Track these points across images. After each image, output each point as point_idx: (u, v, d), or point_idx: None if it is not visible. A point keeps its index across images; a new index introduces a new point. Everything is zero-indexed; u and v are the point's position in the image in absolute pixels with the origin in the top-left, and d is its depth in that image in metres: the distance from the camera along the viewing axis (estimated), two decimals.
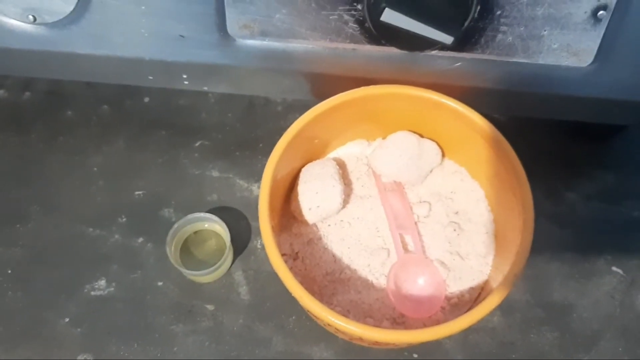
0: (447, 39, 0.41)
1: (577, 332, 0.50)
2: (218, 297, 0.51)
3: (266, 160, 0.46)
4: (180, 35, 0.46)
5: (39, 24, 0.46)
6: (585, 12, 0.42)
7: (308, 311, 0.43)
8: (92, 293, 0.51)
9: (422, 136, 0.51)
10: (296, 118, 0.47)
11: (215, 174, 0.57)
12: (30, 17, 0.46)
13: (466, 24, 0.42)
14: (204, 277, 0.50)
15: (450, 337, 0.49)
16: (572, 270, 0.52)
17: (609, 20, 0.42)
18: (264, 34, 0.45)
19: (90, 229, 0.54)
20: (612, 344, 0.49)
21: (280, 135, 0.47)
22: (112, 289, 0.51)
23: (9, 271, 0.52)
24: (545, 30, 0.43)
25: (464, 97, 0.47)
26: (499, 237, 0.48)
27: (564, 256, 0.53)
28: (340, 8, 0.43)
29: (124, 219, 0.54)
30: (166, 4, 0.44)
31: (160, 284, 0.51)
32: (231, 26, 0.45)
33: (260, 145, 0.58)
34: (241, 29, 0.45)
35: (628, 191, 0.56)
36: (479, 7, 0.42)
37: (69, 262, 0.52)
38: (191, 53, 0.47)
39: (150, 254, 0.53)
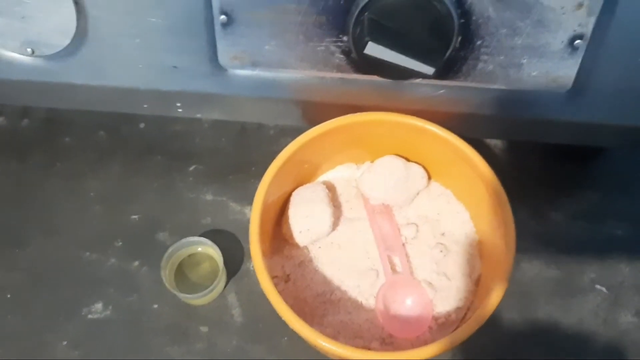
0: (429, 70, 0.42)
1: (562, 349, 0.51)
2: (212, 318, 0.52)
3: (259, 184, 0.47)
4: (174, 66, 0.47)
5: (37, 56, 0.48)
6: (562, 42, 0.43)
7: (297, 333, 0.44)
8: (90, 316, 0.52)
9: (408, 160, 0.53)
10: (288, 142, 0.49)
11: (209, 197, 0.58)
12: (29, 50, 0.47)
13: (448, 54, 0.44)
14: (198, 299, 0.51)
15: (437, 356, 0.51)
16: (557, 288, 0.53)
17: (586, 49, 0.44)
18: (254, 65, 0.47)
19: (87, 253, 0.55)
20: None
21: (272, 159, 0.48)
22: (109, 312, 0.52)
23: (8, 295, 0.53)
24: (524, 59, 0.45)
25: (448, 123, 0.49)
26: (484, 257, 0.50)
27: (548, 274, 0.54)
28: (327, 40, 0.44)
29: (120, 243, 0.55)
30: (160, 37, 0.45)
31: (155, 306, 0.52)
32: (222, 57, 0.46)
33: (253, 168, 0.59)
34: (232, 60, 0.46)
35: (611, 211, 0.57)
36: (460, 38, 0.43)
37: (66, 286, 0.53)
38: (184, 83, 0.48)
39: (145, 277, 0.54)
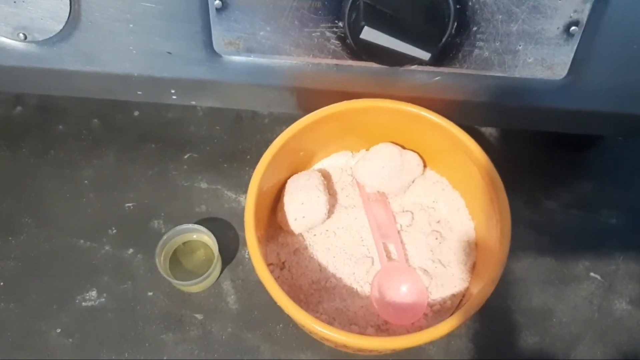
0: (425, 55, 0.42)
1: (556, 337, 0.51)
2: (207, 306, 0.52)
3: (253, 172, 0.47)
4: (168, 52, 0.47)
5: (30, 41, 0.47)
6: (558, 28, 0.43)
7: (294, 319, 0.44)
8: (84, 304, 0.52)
9: (404, 147, 0.53)
10: (282, 130, 0.49)
11: (203, 185, 0.58)
12: (21, 35, 0.47)
13: (443, 40, 0.43)
14: (193, 287, 0.52)
15: (433, 343, 0.51)
16: (551, 276, 0.54)
17: (581, 35, 0.44)
18: (249, 51, 0.47)
19: (82, 241, 0.55)
20: (590, 347, 0.51)
21: (267, 147, 0.48)
22: (103, 299, 0.52)
23: (2, 283, 0.53)
24: (520, 45, 0.45)
25: (444, 110, 0.49)
26: (479, 245, 0.50)
27: (543, 263, 0.54)
28: (322, 25, 0.44)
29: (115, 231, 0.55)
30: (154, 22, 0.45)
31: (150, 294, 0.52)
32: (217, 43, 0.46)
33: (248, 157, 0.59)
34: (227, 45, 0.46)
35: (605, 200, 0.57)
36: (455, 24, 0.43)
37: (60, 274, 0.53)
38: (179, 69, 0.48)
39: (140, 265, 0.54)
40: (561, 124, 0.51)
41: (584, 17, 0.43)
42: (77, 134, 0.61)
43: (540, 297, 0.53)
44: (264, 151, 0.48)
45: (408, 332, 0.47)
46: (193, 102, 0.53)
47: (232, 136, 0.61)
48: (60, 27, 0.46)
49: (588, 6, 0.42)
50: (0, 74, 0.50)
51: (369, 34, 0.41)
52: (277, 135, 0.49)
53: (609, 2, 0.42)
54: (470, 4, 0.42)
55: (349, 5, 0.42)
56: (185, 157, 0.60)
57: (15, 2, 0.45)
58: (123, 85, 0.50)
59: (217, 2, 0.43)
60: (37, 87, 0.53)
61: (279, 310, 0.43)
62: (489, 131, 0.60)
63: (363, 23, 0.41)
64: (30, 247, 0.54)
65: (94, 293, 0.52)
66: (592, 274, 0.54)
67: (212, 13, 0.44)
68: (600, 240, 0.56)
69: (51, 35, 0.47)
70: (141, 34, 0.46)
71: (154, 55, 0.47)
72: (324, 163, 0.55)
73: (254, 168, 0.47)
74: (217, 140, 0.61)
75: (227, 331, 0.51)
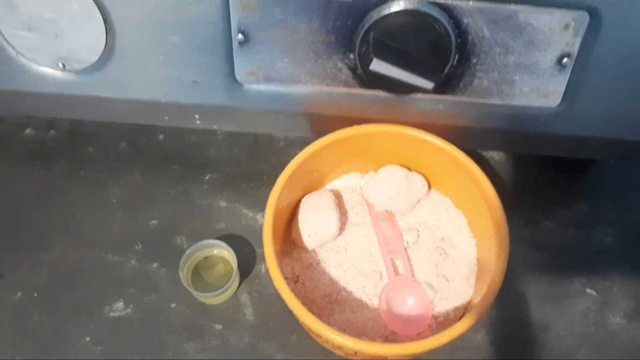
0: (428, 85, 0.46)
1: (553, 350, 0.53)
2: (226, 317, 0.54)
3: (270, 191, 0.50)
4: (194, 81, 0.50)
5: (68, 71, 0.51)
6: (551, 60, 0.47)
7: (308, 329, 0.47)
8: (111, 314, 0.54)
9: (410, 169, 0.56)
10: (297, 153, 0.51)
11: (223, 204, 0.61)
12: (61, 64, 0.50)
13: (446, 71, 0.47)
14: (213, 299, 0.54)
15: (437, 354, 0.53)
16: (549, 291, 0.56)
17: (573, 66, 0.47)
18: (268, 80, 0.50)
19: (109, 255, 0.57)
20: None
21: (283, 168, 0.51)
22: (129, 310, 0.55)
23: (35, 294, 0.55)
24: (516, 76, 0.48)
25: (447, 134, 0.52)
26: (480, 261, 0.52)
27: (542, 279, 0.56)
28: (334, 57, 0.48)
29: (140, 246, 0.58)
30: (182, 54, 0.49)
31: (173, 305, 0.55)
32: (239, 73, 0.50)
33: (264, 177, 0.62)
34: (248, 75, 0.50)
35: (601, 219, 0.59)
36: (457, 56, 0.46)
37: (89, 286, 0.56)
38: (203, 96, 0.51)
39: (163, 278, 0.56)
40: (557, 148, 0.54)
41: (574, 50, 0.46)
42: (105, 156, 0.64)
43: (539, 312, 0.55)
44: (280, 172, 0.51)
45: (414, 342, 0.49)
46: (215, 127, 0.56)
47: (250, 158, 0.64)
48: (96, 58, 0.49)
49: (578, 40, 0.45)
50: (40, 100, 0.53)
51: (378, 66, 0.45)
52: (291, 158, 0.51)
53: (599, 35, 0.45)
54: (470, 38, 0.46)
55: (359, 39, 0.45)
56: (206, 177, 0.62)
57: (56, 35, 0.48)
58: (151, 111, 0.54)
59: (239, 36, 0.47)
60: (72, 113, 0.56)
61: (293, 322, 0.46)
62: (490, 154, 0.63)
63: (372, 56, 0.44)
64: (62, 261, 0.57)
65: (120, 304, 0.55)
66: (588, 289, 0.56)
67: (235, 46, 0.48)
68: (596, 257, 0.57)
69: (87, 65, 0.50)
70: (170, 65, 0.49)
71: (180, 83, 0.51)
72: (336, 183, 0.58)
73: (270, 188, 0.50)
74: (236, 162, 0.63)
75: (245, 341, 0.53)
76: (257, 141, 0.65)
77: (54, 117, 0.66)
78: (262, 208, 0.59)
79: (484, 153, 0.63)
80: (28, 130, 0.66)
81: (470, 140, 0.53)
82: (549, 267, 0.57)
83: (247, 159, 0.64)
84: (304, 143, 0.53)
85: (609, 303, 0.55)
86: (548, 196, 0.61)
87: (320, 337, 0.46)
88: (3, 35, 0.49)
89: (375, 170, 0.57)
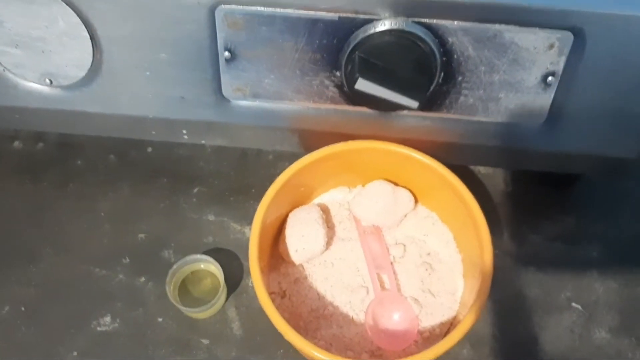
0: (413, 104, 0.46)
1: None
2: (213, 332, 0.54)
3: (258, 205, 0.50)
4: (181, 97, 0.51)
5: (55, 86, 0.51)
6: (536, 78, 0.47)
7: (293, 345, 0.47)
8: (99, 328, 0.54)
9: (396, 185, 0.56)
10: (285, 166, 0.52)
11: (211, 217, 0.61)
12: (47, 80, 0.51)
13: (431, 89, 0.47)
14: (200, 313, 0.54)
15: None
16: (535, 306, 0.56)
17: (558, 85, 0.47)
18: (255, 96, 0.50)
19: (97, 269, 0.57)
20: None
21: (271, 182, 0.51)
22: (117, 324, 0.55)
23: (23, 308, 0.55)
24: (502, 93, 0.48)
25: (433, 150, 0.52)
26: (466, 276, 0.53)
27: (528, 293, 0.56)
28: (321, 75, 0.48)
29: (128, 260, 0.58)
30: (169, 71, 0.49)
31: (160, 320, 0.55)
32: (226, 89, 0.50)
33: (253, 191, 0.62)
34: (235, 91, 0.50)
35: (587, 234, 0.60)
36: (442, 74, 0.47)
37: (77, 300, 0.56)
38: (191, 112, 0.52)
39: (151, 292, 0.56)
40: (542, 163, 0.55)
41: (559, 68, 0.46)
42: (94, 169, 0.64)
43: (525, 326, 0.55)
44: (268, 186, 0.51)
45: (400, 357, 0.50)
46: (203, 141, 0.56)
47: (238, 172, 0.64)
48: (83, 73, 0.50)
49: (563, 59, 0.46)
50: (27, 114, 0.54)
51: (363, 85, 0.45)
52: (280, 171, 0.52)
53: (583, 55, 0.45)
54: (455, 56, 0.46)
55: (345, 58, 0.46)
56: (195, 190, 0.62)
57: (43, 51, 0.49)
58: (139, 126, 0.54)
59: (226, 53, 0.47)
60: (59, 127, 0.57)
61: (280, 336, 0.46)
62: (477, 168, 0.63)
63: (357, 75, 0.45)
64: (50, 275, 0.57)
65: (108, 319, 0.55)
66: (573, 304, 0.56)
67: (222, 63, 0.48)
68: (582, 272, 0.58)
69: (74, 81, 0.50)
70: (157, 81, 0.50)
71: (168, 99, 0.51)
72: (323, 198, 0.58)
73: (258, 201, 0.51)
74: (224, 176, 0.63)
75: (232, 355, 0.53)
76: (246, 154, 0.65)
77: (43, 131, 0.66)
78: (250, 221, 0.58)
79: (471, 167, 0.63)
80: (16, 143, 0.66)
81: (456, 155, 0.54)
82: (535, 281, 0.57)
83: (235, 173, 0.64)
84: (292, 156, 0.53)
85: (594, 317, 0.56)
86: (535, 210, 0.61)
87: (305, 353, 0.46)
88: None
89: (363, 185, 0.57)
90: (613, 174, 0.55)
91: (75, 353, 0.54)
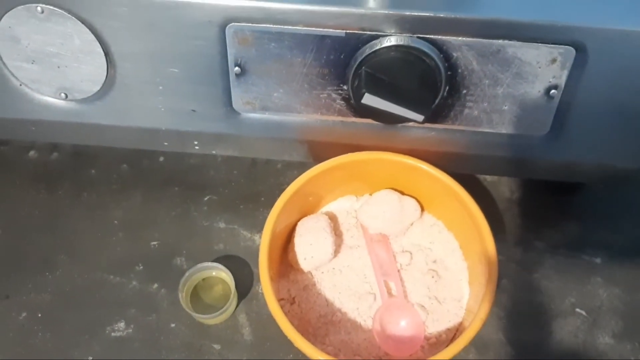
0: (419, 118, 0.47)
1: None
2: (224, 337, 0.56)
3: (267, 213, 0.52)
4: (192, 110, 0.52)
5: (70, 100, 0.52)
6: (539, 91, 0.48)
7: (301, 351, 0.49)
8: (113, 334, 0.56)
9: (403, 194, 0.57)
10: (294, 175, 0.53)
11: (222, 225, 0.62)
12: (63, 94, 0.52)
13: (436, 102, 0.48)
14: (212, 319, 0.55)
15: None
16: (539, 311, 0.57)
17: (560, 97, 0.48)
18: (264, 109, 0.51)
19: (111, 276, 0.59)
20: None
21: (280, 189, 0.53)
22: (131, 330, 0.56)
23: (39, 314, 0.57)
24: (505, 106, 0.49)
25: (439, 160, 0.53)
26: (472, 283, 0.54)
27: (532, 299, 0.57)
28: (329, 88, 0.49)
29: (141, 267, 0.59)
30: (181, 85, 0.50)
31: (173, 325, 0.56)
32: (236, 103, 0.51)
33: (262, 199, 0.63)
34: (245, 104, 0.51)
35: (590, 240, 0.60)
36: (447, 87, 0.48)
37: (92, 306, 0.57)
38: (202, 125, 0.53)
39: (164, 299, 0.57)
40: (546, 173, 0.55)
41: (562, 81, 0.47)
42: (107, 178, 0.65)
43: (529, 331, 0.56)
44: (277, 194, 0.52)
45: None
46: (214, 152, 0.57)
47: (248, 180, 0.65)
48: (97, 88, 0.51)
49: (565, 72, 0.46)
50: (43, 126, 0.55)
51: (369, 100, 0.46)
52: (289, 180, 0.53)
53: (585, 68, 0.46)
54: (460, 70, 0.47)
55: (352, 73, 0.47)
56: (205, 199, 0.63)
57: (59, 67, 0.50)
58: (151, 137, 0.55)
59: (236, 68, 0.49)
60: (74, 138, 0.58)
61: (289, 341, 0.47)
62: (482, 177, 0.64)
63: (364, 90, 0.46)
64: (65, 282, 0.58)
65: (122, 324, 0.56)
66: (577, 309, 0.57)
67: (232, 78, 0.49)
68: (586, 278, 0.58)
69: (89, 95, 0.52)
70: (169, 95, 0.51)
71: (180, 112, 0.52)
72: (331, 206, 0.59)
73: (267, 209, 0.52)
74: (235, 184, 0.65)
75: None
76: (255, 163, 0.66)
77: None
78: (259, 229, 0.61)
79: (476, 175, 0.64)
80: (32, 153, 0.67)
81: (461, 165, 0.55)
82: (540, 287, 0.58)
83: (245, 181, 0.65)
84: (301, 165, 0.54)
85: (598, 323, 0.56)
86: (539, 217, 0.62)
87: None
88: (7, 67, 0.51)
89: (370, 193, 0.59)
90: (615, 183, 0.55)
91: (90, 358, 0.55)
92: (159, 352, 0.55)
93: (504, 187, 0.64)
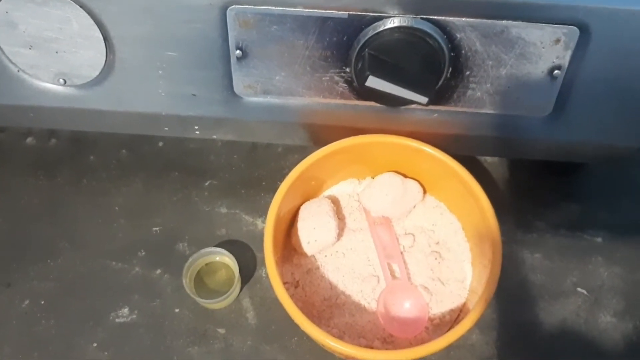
0: (423, 100, 0.47)
1: (546, 348, 0.55)
2: (228, 321, 0.56)
3: (269, 197, 0.52)
4: (193, 94, 0.51)
5: (69, 86, 0.52)
6: (543, 72, 0.48)
7: (307, 333, 0.49)
8: (117, 320, 0.56)
9: (405, 176, 0.57)
10: (295, 158, 0.53)
11: (223, 210, 0.62)
12: (61, 80, 0.51)
13: (439, 84, 0.48)
14: (216, 304, 0.56)
15: (433, 354, 0.55)
16: (541, 291, 0.57)
17: (564, 78, 0.48)
18: (265, 93, 0.51)
19: (114, 263, 0.59)
20: (577, 358, 0.55)
21: (281, 174, 0.52)
22: (135, 316, 0.56)
23: (42, 302, 0.57)
24: (509, 87, 0.49)
25: (441, 142, 0.53)
26: (475, 264, 0.54)
27: (534, 279, 0.58)
28: (331, 71, 0.49)
29: (143, 253, 0.59)
30: (181, 69, 0.50)
31: (177, 310, 0.56)
32: (237, 86, 0.51)
33: (263, 183, 0.63)
34: (246, 88, 0.51)
35: (591, 220, 0.61)
36: (450, 69, 0.48)
37: (95, 293, 0.57)
38: (202, 109, 0.53)
39: (167, 284, 0.57)
40: (548, 153, 0.56)
41: (565, 62, 0.47)
42: (107, 164, 0.65)
43: (532, 311, 0.56)
44: (278, 178, 0.52)
45: (411, 344, 0.51)
46: (214, 136, 0.57)
47: (249, 164, 0.65)
48: (96, 73, 0.50)
49: (569, 53, 0.46)
50: (42, 113, 0.55)
51: (373, 82, 0.46)
52: (289, 163, 0.53)
53: (588, 49, 0.46)
54: (463, 52, 0.47)
55: (355, 55, 0.47)
56: (206, 184, 0.63)
57: (57, 52, 0.49)
58: (151, 122, 0.55)
59: (237, 52, 0.48)
60: (73, 124, 0.57)
61: (293, 325, 0.47)
62: (483, 157, 0.64)
63: (368, 73, 0.45)
64: (68, 269, 0.58)
65: (126, 310, 0.56)
66: (579, 289, 0.57)
67: (233, 61, 0.49)
68: (587, 257, 0.59)
69: (88, 80, 0.51)
70: (169, 79, 0.51)
71: (180, 97, 0.52)
72: (334, 190, 0.59)
73: (269, 193, 0.52)
74: (235, 168, 0.64)
75: (247, 344, 0.55)
76: (256, 147, 0.66)
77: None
78: (261, 213, 0.61)
79: (478, 157, 0.64)
80: (29, 140, 0.67)
81: (463, 146, 0.55)
82: (541, 268, 0.59)
83: (246, 165, 0.65)
84: (302, 149, 0.54)
85: (599, 302, 0.57)
86: (540, 197, 0.62)
87: (318, 342, 0.48)
88: (4, 53, 0.50)
89: (372, 176, 0.58)
90: (617, 162, 0.56)
91: (95, 344, 0.55)
92: (164, 337, 0.55)
93: (504, 168, 0.64)
